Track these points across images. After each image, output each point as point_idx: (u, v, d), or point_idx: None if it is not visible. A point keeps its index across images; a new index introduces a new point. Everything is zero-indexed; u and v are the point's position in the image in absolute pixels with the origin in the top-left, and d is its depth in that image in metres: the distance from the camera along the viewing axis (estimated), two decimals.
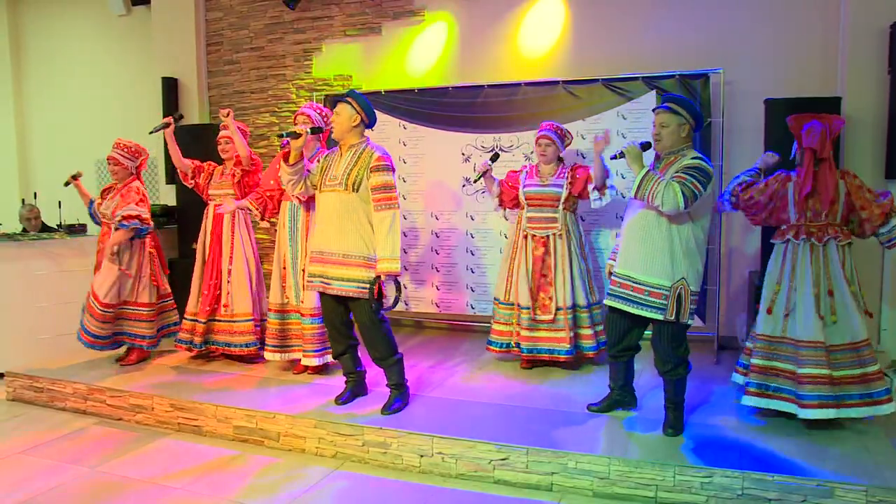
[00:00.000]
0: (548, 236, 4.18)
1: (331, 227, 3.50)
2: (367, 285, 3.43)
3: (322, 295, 3.65)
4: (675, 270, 3.07)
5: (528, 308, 4.18)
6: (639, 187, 3.03)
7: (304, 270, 4.06)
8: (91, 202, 4.69)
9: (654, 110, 3.25)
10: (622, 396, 3.52)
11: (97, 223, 4.72)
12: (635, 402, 3.55)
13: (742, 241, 4.85)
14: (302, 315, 4.14)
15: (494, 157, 4.41)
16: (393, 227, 3.41)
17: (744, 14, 4.77)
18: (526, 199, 4.22)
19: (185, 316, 4.58)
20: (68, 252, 5.20)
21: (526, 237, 4.24)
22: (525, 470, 3.09)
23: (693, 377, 4.10)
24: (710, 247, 4.72)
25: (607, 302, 3.30)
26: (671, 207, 2.97)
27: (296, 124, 4.10)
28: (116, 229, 4.37)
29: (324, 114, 4.18)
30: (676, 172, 3.04)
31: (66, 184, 4.72)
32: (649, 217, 3.12)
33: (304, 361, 4.18)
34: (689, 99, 3.35)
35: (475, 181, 4.38)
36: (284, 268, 4.22)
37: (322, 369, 4.27)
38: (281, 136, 3.55)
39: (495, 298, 4.46)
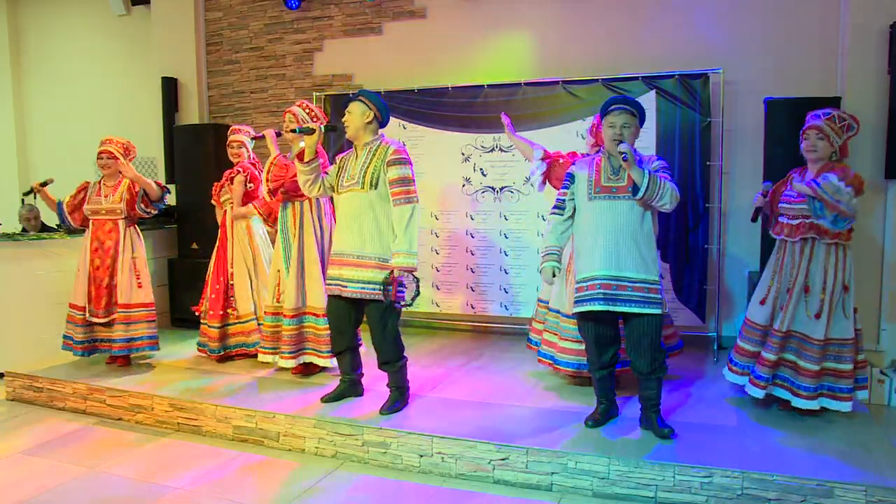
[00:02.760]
0: None
1: (348, 228, 3.48)
2: (381, 285, 3.39)
3: (331, 297, 3.63)
4: (658, 264, 3.17)
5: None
6: (647, 188, 3.01)
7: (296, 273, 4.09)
8: (59, 203, 4.57)
9: (609, 112, 3.16)
10: (613, 407, 3.43)
11: (66, 224, 4.62)
12: (618, 410, 3.48)
13: (741, 241, 4.84)
14: (284, 316, 4.11)
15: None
16: (412, 221, 3.37)
17: (744, 14, 4.76)
18: None
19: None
20: (68, 252, 5.18)
21: None
22: (525, 470, 3.09)
23: (693, 377, 4.12)
24: (709, 247, 4.74)
25: (597, 307, 3.12)
26: (672, 205, 3.06)
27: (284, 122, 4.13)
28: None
29: (312, 113, 4.09)
30: (657, 172, 3.09)
31: (28, 192, 4.59)
32: (637, 216, 3.11)
33: (281, 363, 4.13)
34: (636, 100, 3.29)
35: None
36: (278, 270, 4.21)
37: (303, 371, 4.21)
38: (294, 132, 3.53)
39: None
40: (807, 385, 3.29)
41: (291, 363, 4.12)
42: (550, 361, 3.93)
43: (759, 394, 3.39)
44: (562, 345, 3.83)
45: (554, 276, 3.28)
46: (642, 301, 3.09)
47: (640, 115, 3.19)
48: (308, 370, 4.24)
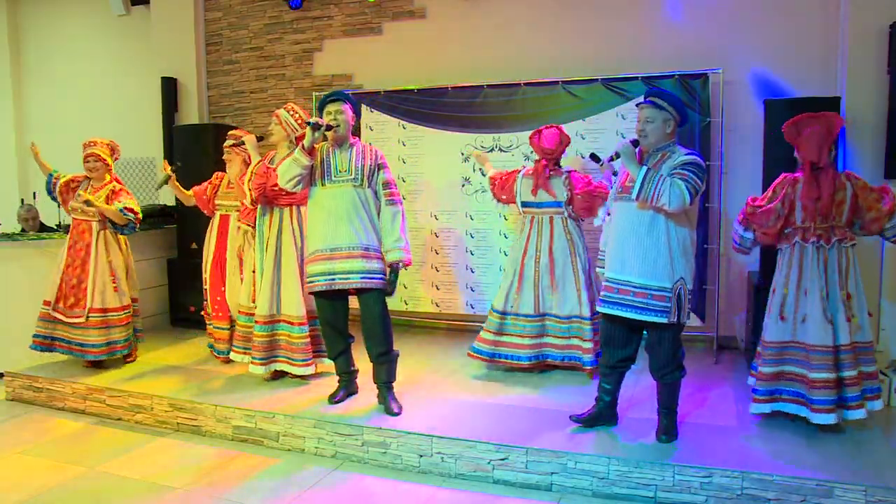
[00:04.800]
0: None
1: (346, 221, 3.51)
2: (384, 276, 3.59)
3: (322, 298, 3.64)
4: (675, 271, 3.00)
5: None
6: (641, 187, 2.91)
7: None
8: (51, 175, 4.52)
9: (637, 105, 3.14)
10: (608, 411, 3.35)
11: (52, 198, 4.56)
12: (616, 419, 3.37)
13: None
14: (256, 322, 4.05)
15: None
16: (403, 220, 3.67)
17: (744, 14, 4.76)
18: None
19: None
20: None
21: None
22: (525, 470, 3.09)
23: (692, 377, 4.11)
24: (710, 246, 4.74)
25: (603, 310, 3.17)
26: (678, 206, 2.88)
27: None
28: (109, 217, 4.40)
29: (296, 115, 3.99)
30: (675, 170, 2.95)
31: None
32: (645, 217, 3.02)
33: (252, 369, 4.06)
34: (673, 93, 3.21)
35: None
36: (254, 271, 4.16)
37: (276, 377, 4.17)
38: (308, 124, 3.48)
39: None
40: (827, 398, 3.17)
41: (261, 370, 4.04)
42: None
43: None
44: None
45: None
46: (642, 308, 3.02)
47: (671, 107, 3.02)
48: (278, 375, 4.19)
